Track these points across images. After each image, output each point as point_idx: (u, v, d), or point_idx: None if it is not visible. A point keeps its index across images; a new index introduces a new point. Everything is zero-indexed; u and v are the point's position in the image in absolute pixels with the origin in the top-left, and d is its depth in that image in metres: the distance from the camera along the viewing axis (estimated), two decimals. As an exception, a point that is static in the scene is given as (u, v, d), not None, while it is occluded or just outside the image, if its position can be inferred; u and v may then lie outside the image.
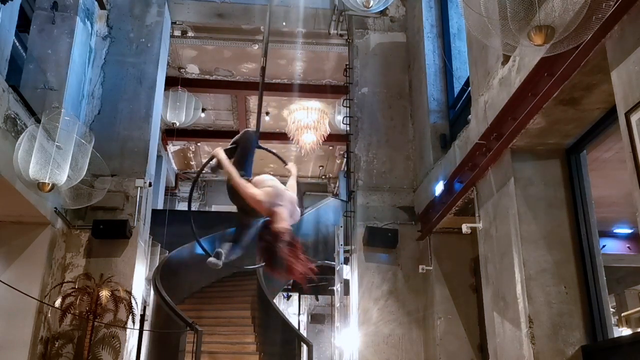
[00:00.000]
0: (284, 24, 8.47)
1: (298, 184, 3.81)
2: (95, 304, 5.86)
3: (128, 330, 6.20)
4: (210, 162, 3.78)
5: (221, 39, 8.97)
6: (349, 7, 6.87)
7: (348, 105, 7.97)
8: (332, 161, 14.31)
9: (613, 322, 5.19)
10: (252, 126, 12.46)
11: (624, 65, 3.05)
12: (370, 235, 6.78)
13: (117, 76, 7.31)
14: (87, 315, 5.87)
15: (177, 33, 8.58)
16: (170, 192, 14.06)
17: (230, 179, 3.43)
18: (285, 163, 4.10)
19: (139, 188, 6.72)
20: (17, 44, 7.05)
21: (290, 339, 7.88)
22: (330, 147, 13.28)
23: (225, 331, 8.66)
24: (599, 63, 3.35)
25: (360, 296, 6.72)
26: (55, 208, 6.06)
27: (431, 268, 6.35)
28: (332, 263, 8.27)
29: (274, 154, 4.59)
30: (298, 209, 3.44)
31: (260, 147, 4.13)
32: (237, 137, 3.94)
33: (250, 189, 3.34)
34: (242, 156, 3.71)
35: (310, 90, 10.66)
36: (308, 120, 11.14)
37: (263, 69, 4.37)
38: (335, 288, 7.74)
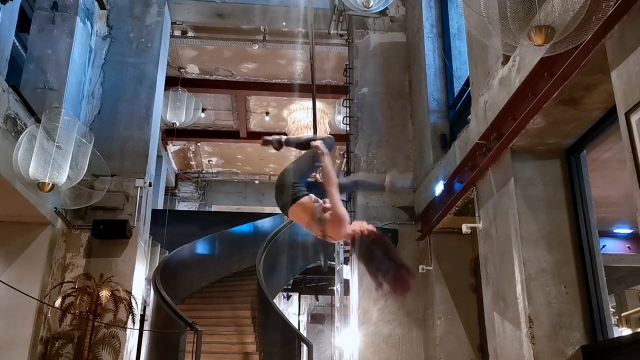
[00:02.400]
0: (284, 24, 8.47)
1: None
2: (95, 304, 5.86)
3: (128, 330, 6.20)
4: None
5: (221, 39, 8.97)
6: (349, 7, 6.88)
7: (348, 105, 7.96)
8: (332, 161, 14.31)
9: (613, 322, 5.20)
10: (253, 126, 12.50)
11: (624, 65, 3.05)
12: (371, 235, 6.77)
13: (117, 76, 7.31)
14: (87, 315, 5.87)
15: (177, 33, 8.58)
16: (170, 192, 14.06)
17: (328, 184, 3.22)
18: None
19: (139, 188, 6.72)
20: (17, 44, 7.06)
21: (290, 339, 7.85)
22: (330, 147, 13.26)
23: (225, 331, 8.64)
24: (599, 63, 3.35)
25: (360, 296, 6.72)
26: (55, 208, 6.06)
27: (431, 268, 6.34)
28: (332, 263, 8.27)
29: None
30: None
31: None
32: (323, 136, 3.63)
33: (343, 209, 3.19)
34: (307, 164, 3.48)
35: (310, 90, 10.64)
36: (308, 120, 11.12)
37: (312, 69, 4.33)
38: (335, 288, 7.73)
